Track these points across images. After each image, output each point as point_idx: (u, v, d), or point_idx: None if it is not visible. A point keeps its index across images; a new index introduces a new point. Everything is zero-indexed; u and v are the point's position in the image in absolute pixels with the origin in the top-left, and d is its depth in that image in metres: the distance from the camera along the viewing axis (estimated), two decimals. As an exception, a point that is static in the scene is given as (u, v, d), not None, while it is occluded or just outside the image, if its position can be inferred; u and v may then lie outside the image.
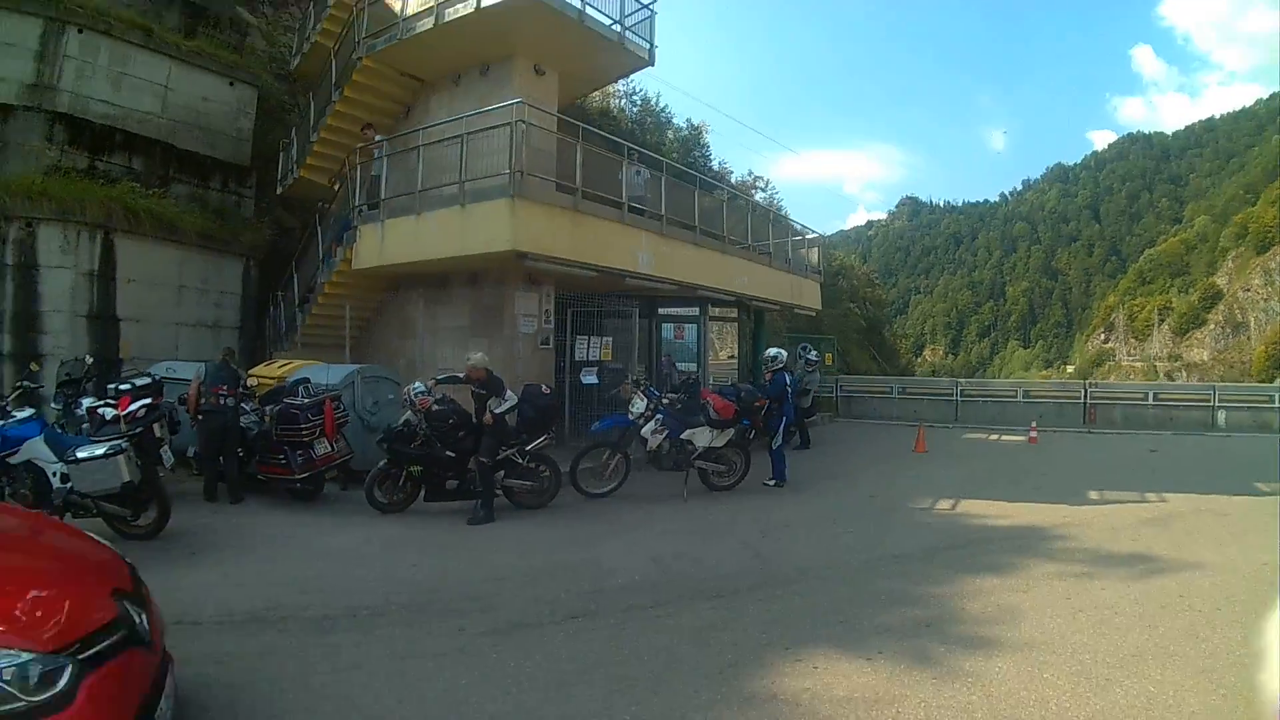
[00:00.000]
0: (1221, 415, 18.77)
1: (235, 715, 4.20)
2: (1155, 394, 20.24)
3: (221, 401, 9.46)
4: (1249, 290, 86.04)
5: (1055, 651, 4.82)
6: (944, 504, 9.82)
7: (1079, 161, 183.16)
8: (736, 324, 19.26)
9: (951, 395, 21.41)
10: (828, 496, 10.25)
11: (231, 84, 16.83)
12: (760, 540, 8.04)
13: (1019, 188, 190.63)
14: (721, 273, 15.20)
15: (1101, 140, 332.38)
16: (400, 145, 13.11)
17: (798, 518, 8.88)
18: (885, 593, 6.18)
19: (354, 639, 5.20)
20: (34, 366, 10.61)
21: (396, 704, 4.29)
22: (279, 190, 17.00)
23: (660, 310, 15.95)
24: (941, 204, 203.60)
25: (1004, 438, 17.08)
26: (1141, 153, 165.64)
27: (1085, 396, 20.09)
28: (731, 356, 20.09)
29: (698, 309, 16.05)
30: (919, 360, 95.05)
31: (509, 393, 8.97)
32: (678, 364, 16.57)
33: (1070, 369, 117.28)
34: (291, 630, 5.35)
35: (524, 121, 11.10)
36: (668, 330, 16.53)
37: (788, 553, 7.54)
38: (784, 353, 11.86)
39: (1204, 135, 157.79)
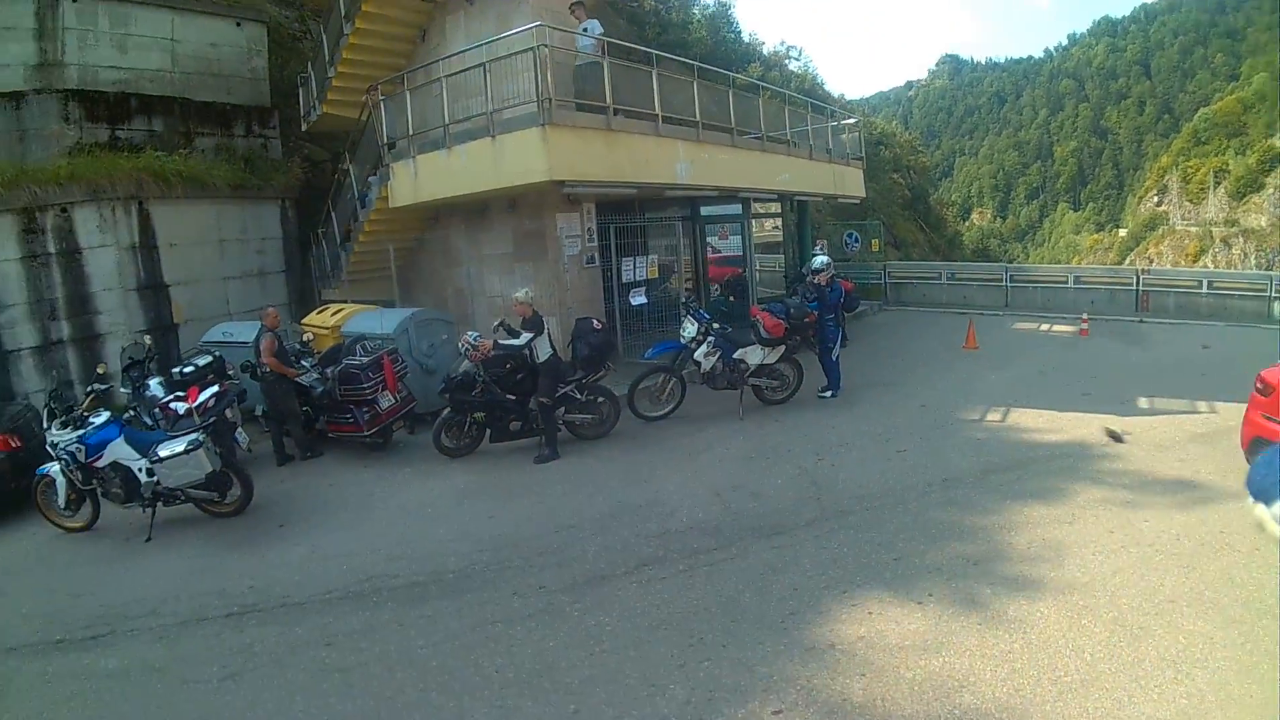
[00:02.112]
0: (1278, 306, 17.74)
1: (353, 699, 4.71)
2: (1210, 282, 19.32)
3: (260, 374, 9.75)
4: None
5: (1096, 595, 5.09)
6: (994, 415, 9.90)
7: (1128, 14, 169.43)
8: (780, 218, 19.14)
9: (1001, 281, 20.87)
10: (880, 408, 10.37)
11: (238, 24, 16.50)
12: (816, 465, 8.25)
13: (1064, 43, 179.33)
14: (762, 172, 14.96)
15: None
16: (421, 77, 12.81)
17: (852, 435, 9.07)
18: (937, 525, 6.46)
19: (446, 607, 5.69)
20: (101, 369, 10.92)
21: (495, 673, 4.79)
22: (304, 127, 16.82)
23: (703, 211, 15.89)
24: (983, 61, 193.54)
25: (1054, 328, 16.72)
26: (1195, 4, 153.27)
27: (1138, 284, 19.29)
28: (776, 227, 20.09)
29: (740, 208, 15.95)
30: (966, 225, 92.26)
31: (526, 335, 9.00)
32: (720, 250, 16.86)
33: (1123, 233, 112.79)
34: (387, 603, 5.86)
35: (546, 45, 10.76)
36: (712, 231, 16.54)
37: (843, 479, 7.72)
38: (829, 260, 11.73)
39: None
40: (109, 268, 12.90)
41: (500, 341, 9.10)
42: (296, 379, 9.85)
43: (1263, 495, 2.64)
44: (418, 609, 5.71)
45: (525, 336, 8.97)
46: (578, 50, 11.94)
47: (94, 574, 7.36)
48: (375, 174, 13.45)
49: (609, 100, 11.41)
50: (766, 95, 15.87)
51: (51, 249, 12.52)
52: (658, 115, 12.16)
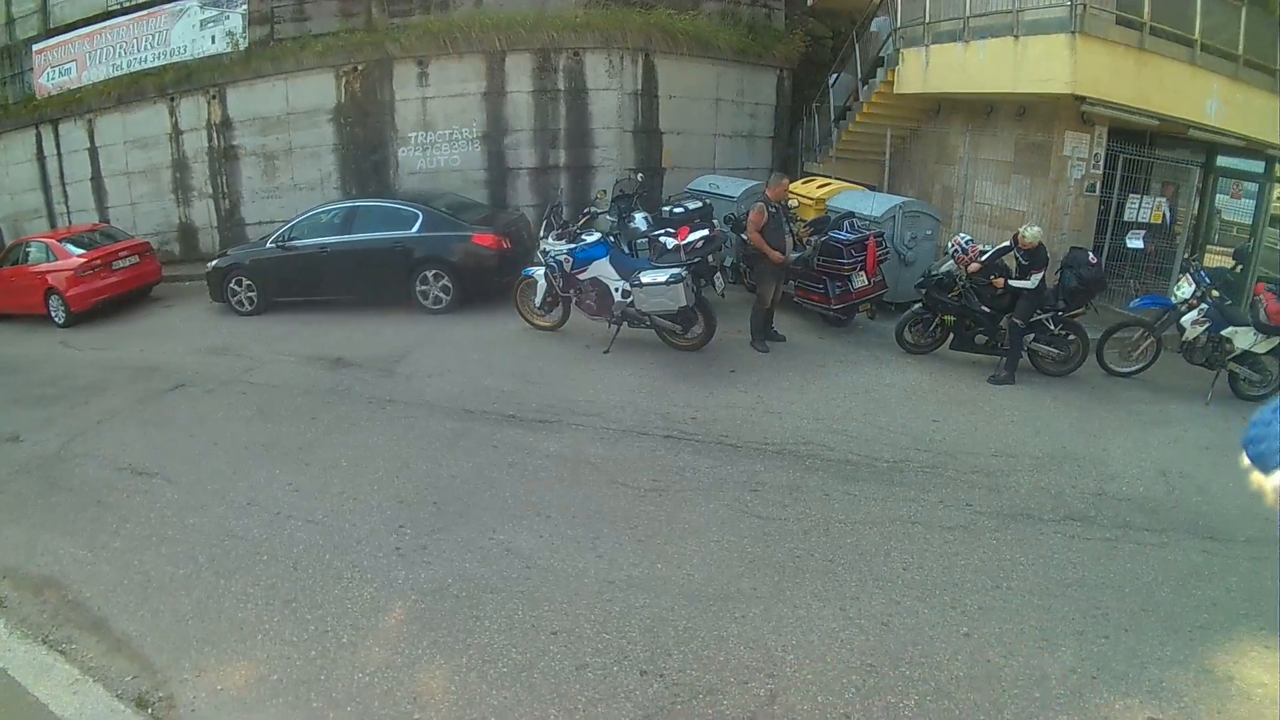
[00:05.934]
0: None
1: (767, 546, 5.46)
2: None
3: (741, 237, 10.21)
4: None
5: None
6: None
7: None
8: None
9: None
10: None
11: (747, -101, 16.79)
12: (1277, 476, 7.29)
13: None
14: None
15: None
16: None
17: (1330, 462, 7.71)
18: None
19: (872, 492, 6.20)
20: (599, 195, 12.55)
21: (903, 569, 5.20)
22: (808, 2, 17.12)
23: (1219, 161, 13.64)
24: None
25: None
26: None
27: None
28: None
29: (1263, 166, 13.49)
30: None
31: (1036, 276, 8.80)
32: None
33: None
34: (817, 471, 6.52)
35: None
36: (1224, 187, 14.24)
37: (1307, 501, 6.73)
38: None
39: None
40: (610, 108, 14.68)
41: (1011, 282, 8.93)
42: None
43: (1260, 462, 2.34)
44: (845, 485, 6.29)
45: (1035, 278, 8.82)
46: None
47: (550, 370, 8.94)
48: (881, 57, 13.47)
49: (1145, 14, 10.31)
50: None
51: (561, 86, 14.58)
52: (1195, 40, 10.70)
